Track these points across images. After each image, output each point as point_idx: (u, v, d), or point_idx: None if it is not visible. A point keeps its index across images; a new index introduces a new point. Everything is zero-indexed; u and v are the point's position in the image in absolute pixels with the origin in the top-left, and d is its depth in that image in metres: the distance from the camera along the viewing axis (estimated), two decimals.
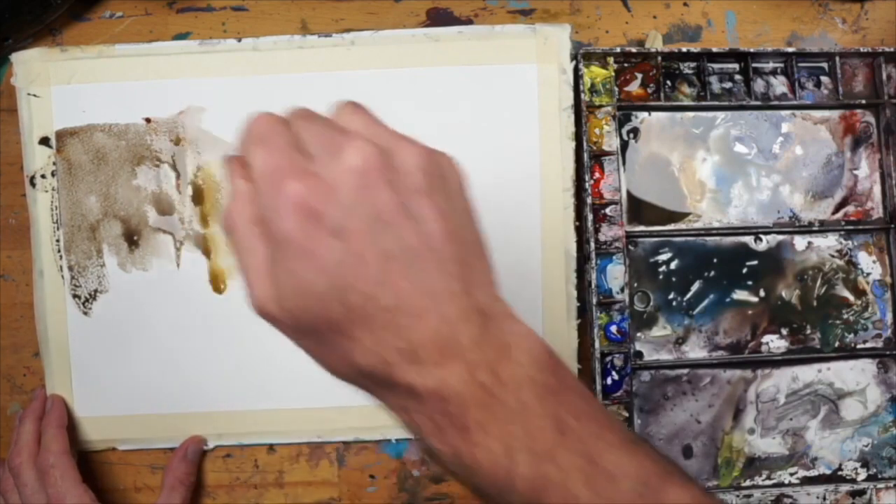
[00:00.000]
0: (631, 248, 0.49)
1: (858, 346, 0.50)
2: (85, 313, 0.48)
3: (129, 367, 0.48)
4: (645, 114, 0.50)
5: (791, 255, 0.50)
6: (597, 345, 0.47)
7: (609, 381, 0.48)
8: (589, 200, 0.48)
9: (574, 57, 0.49)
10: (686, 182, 0.50)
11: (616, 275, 0.48)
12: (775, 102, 0.50)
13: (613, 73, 0.49)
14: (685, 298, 0.49)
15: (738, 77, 0.50)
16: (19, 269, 0.49)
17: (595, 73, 0.49)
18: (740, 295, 0.50)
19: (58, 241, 0.48)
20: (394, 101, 0.49)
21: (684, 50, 0.49)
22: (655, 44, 0.50)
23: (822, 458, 0.49)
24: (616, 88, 0.49)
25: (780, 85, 0.50)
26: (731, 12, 0.51)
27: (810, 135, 0.51)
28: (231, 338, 0.48)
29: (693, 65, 0.50)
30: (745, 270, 0.50)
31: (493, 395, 0.26)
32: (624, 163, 0.49)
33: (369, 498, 0.50)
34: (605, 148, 0.49)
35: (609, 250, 0.48)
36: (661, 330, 0.49)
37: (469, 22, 0.50)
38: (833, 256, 0.50)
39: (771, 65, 0.50)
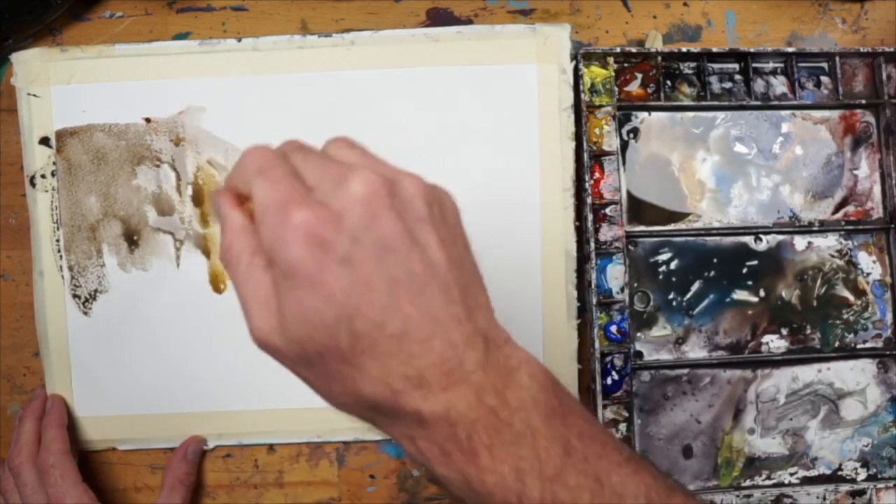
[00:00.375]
0: (631, 248, 0.49)
1: (858, 346, 0.50)
2: (85, 313, 0.48)
3: (128, 367, 0.48)
4: (645, 114, 0.50)
5: (791, 255, 0.50)
6: (597, 345, 0.47)
7: (609, 381, 0.48)
8: (589, 200, 0.48)
9: (574, 57, 0.49)
10: (686, 182, 0.50)
11: (616, 275, 0.48)
12: (775, 102, 0.50)
13: (613, 73, 0.49)
14: (685, 298, 0.49)
15: (738, 77, 0.50)
16: (19, 269, 0.49)
17: (595, 73, 0.49)
18: (740, 295, 0.50)
19: (58, 241, 0.48)
20: (394, 101, 0.48)
21: (684, 50, 0.49)
22: (655, 44, 0.50)
23: (822, 458, 0.49)
24: (616, 88, 0.49)
25: (780, 85, 0.50)
26: (731, 12, 0.51)
27: (810, 135, 0.51)
28: (231, 338, 0.48)
29: (693, 65, 0.50)
30: (745, 270, 0.50)
31: (501, 418, 0.26)
32: (624, 163, 0.49)
33: (369, 498, 0.50)
34: (605, 148, 0.49)
35: (609, 250, 0.48)
36: (661, 330, 0.49)
37: (469, 22, 0.50)
38: (833, 256, 0.50)
39: (771, 65, 0.50)
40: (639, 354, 0.49)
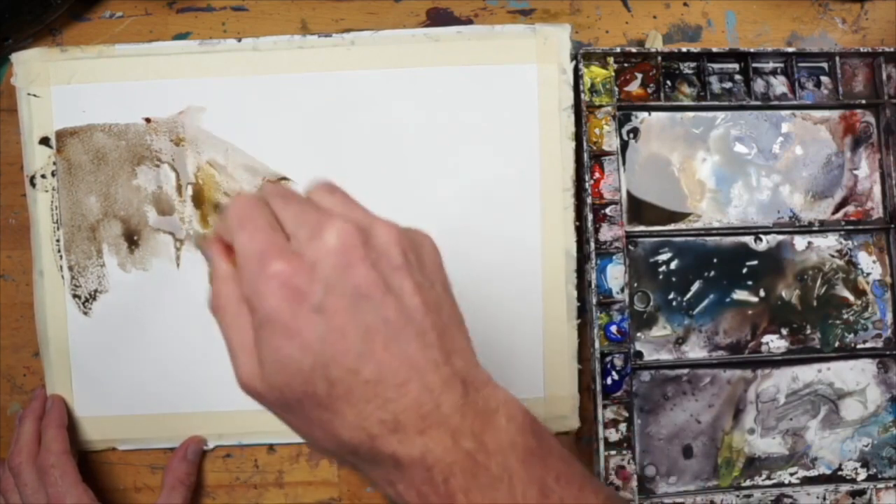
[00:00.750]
0: (631, 248, 0.49)
1: (858, 346, 0.50)
2: (85, 313, 0.48)
3: (128, 367, 0.48)
4: (645, 114, 0.50)
5: (791, 255, 0.50)
6: (597, 345, 0.47)
7: (609, 381, 0.48)
8: (589, 200, 0.48)
9: (574, 57, 0.49)
10: (686, 182, 0.50)
11: (616, 275, 0.48)
12: (775, 102, 0.50)
13: (613, 73, 0.49)
14: (685, 298, 0.49)
15: (738, 77, 0.50)
16: (19, 269, 0.49)
17: (595, 73, 0.49)
18: (740, 295, 0.50)
19: (58, 241, 0.48)
20: (394, 101, 0.49)
21: (684, 50, 0.49)
22: (655, 44, 0.50)
23: (822, 458, 0.49)
24: (616, 88, 0.49)
25: (780, 85, 0.50)
26: (731, 12, 0.51)
27: (810, 135, 0.51)
28: None
29: (693, 65, 0.50)
30: (745, 270, 0.50)
31: (478, 461, 0.26)
32: (624, 163, 0.49)
33: (369, 498, 0.50)
34: (605, 148, 0.49)
35: (609, 250, 0.48)
36: (661, 330, 0.49)
37: (469, 22, 0.50)
38: (833, 256, 0.50)
39: (771, 65, 0.50)
40: (639, 354, 0.49)
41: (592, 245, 0.48)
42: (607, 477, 0.47)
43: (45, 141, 0.48)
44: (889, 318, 0.50)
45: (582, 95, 0.48)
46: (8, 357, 0.49)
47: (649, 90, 0.49)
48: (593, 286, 0.48)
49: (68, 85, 0.48)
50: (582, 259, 0.49)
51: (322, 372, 0.26)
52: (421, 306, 0.27)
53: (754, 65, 0.50)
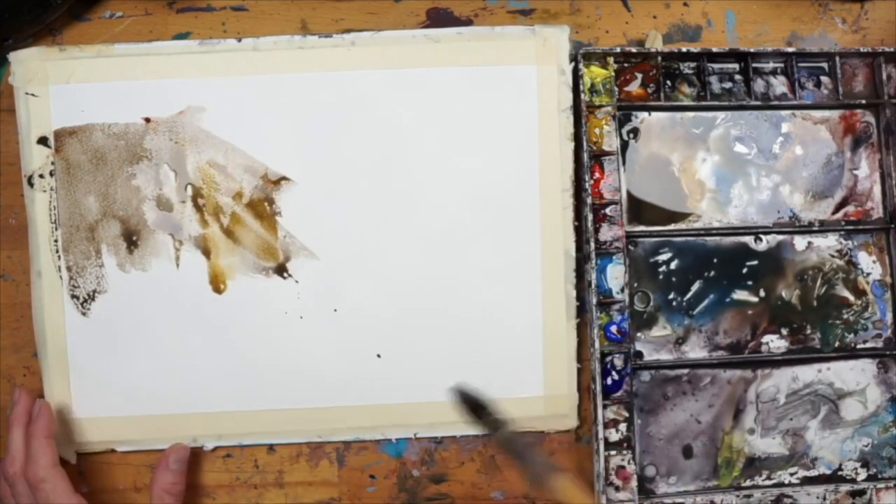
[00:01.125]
0: (631, 248, 0.49)
1: (858, 346, 0.50)
2: (83, 314, 0.48)
3: (128, 368, 0.48)
4: (645, 114, 0.50)
5: (791, 255, 0.50)
6: (597, 345, 0.47)
7: (609, 381, 0.48)
8: (589, 200, 0.48)
9: (574, 57, 0.49)
10: (686, 182, 0.50)
11: (616, 275, 0.48)
12: (775, 102, 0.50)
13: (613, 73, 0.49)
14: (685, 298, 0.49)
15: (738, 77, 0.50)
16: (19, 269, 0.49)
17: (595, 73, 0.49)
18: (740, 295, 0.50)
19: (56, 241, 0.48)
20: (393, 101, 0.48)
21: (684, 50, 0.49)
22: (655, 44, 0.50)
23: (822, 458, 0.49)
24: (616, 88, 0.49)
25: (780, 85, 0.50)
26: (731, 12, 0.51)
27: (810, 135, 0.51)
28: (231, 338, 0.48)
29: (693, 65, 0.50)
30: (745, 270, 0.50)
31: None
32: (624, 163, 0.49)
33: (369, 498, 0.50)
34: (605, 148, 0.49)
35: (609, 250, 0.48)
36: (661, 330, 0.49)
37: (469, 22, 0.50)
38: (833, 256, 0.50)
39: (771, 65, 0.50)
40: (639, 354, 0.49)
41: (592, 245, 0.48)
42: (607, 477, 0.47)
43: (43, 140, 0.48)
44: (889, 318, 0.50)
45: (582, 95, 0.48)
46: (8, 357, 0.49)
47: (649, 90, 0.49)
48: (593, 286, 0.48)
49: (67, 84, 0.48)
50: (582, 259, 0.49)
51: None
52: None
53: (754, 65, 0.50)
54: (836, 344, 0.50)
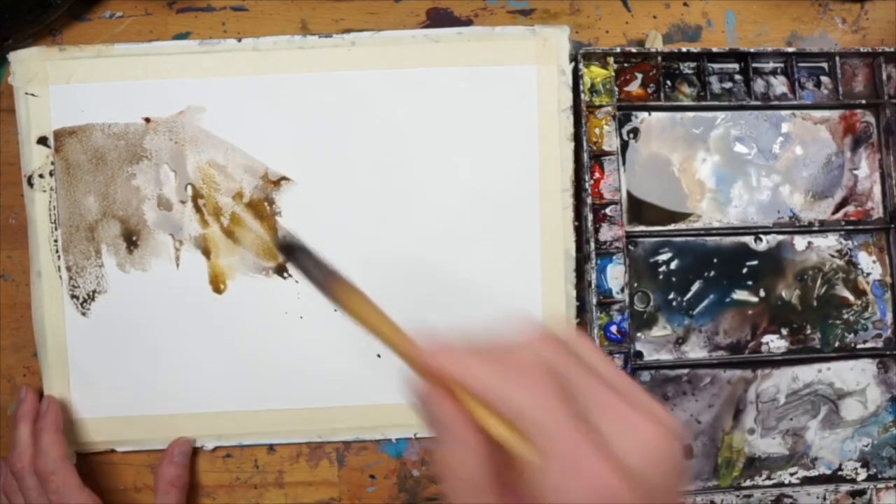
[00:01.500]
0: (631, 248, 0.49)
1: (858, 346, 0.50)
2: (83, 314, 0.48)
3: (127, 368, 0.48)
4: (645, 114, 0.50)
5: (791, 255, 0.50)
6: (597, 345, 0.47)
7: None
8: (589, 200, 0.48)
9: (574, 57, 0.49)
10: (686, 182, 0.50)
11: (616, 275, 0.48)
12: (775, 102, 0.50)
13: (613, 73, 0.49)
14: (685, 298, 0.49)
15: (738, 77, 0.50)
16: (19, 269, 0.49)
17: (595, 73, 0.49)
18: (740, 295, 0.50)
19: (56, 241, 0.48)
20: (393, 101, 0.48)
21: (684, 50, 0.49)
22: (655, 44, 0.50)
23: (822, 458, 0.49)
24: (616, 88, 0.49)
25: (780, 85, 0.50)
26: (731, 12, 0.51)
27: (810, 135, 0.51)
28: (231, 338, 0.48)
29: (693, 65, 0.50)
30: (745, 270, 0.50)
31: None
32: (624, 163, 0.49)
33: (369, 498, 0.50)
34: (605, 148, 0.49)
35: (609, 250, 0.48)
36: (661, 330, 0.49)
37: (469, 22, 0.50)
38: (833, 256, 0.50)
39: (771, 65, 0.50)
40: (639, 354, 0.49)
41: (592, 245, 0.48)
42: None
43: (42, 140, 0.48)
44: (889, 318, 0.50)
45: (582, 95, 0.48)
46: (8, 357, 0.49)
47: (649, 90, 0.49)
48: (593, 286, 0.48)
49: (67, 84, 0.48)
50: (582, 259, 0.49)
51: None
52: None
53: (754, 65, 0.50)
54: (836, 344, 0.50)
